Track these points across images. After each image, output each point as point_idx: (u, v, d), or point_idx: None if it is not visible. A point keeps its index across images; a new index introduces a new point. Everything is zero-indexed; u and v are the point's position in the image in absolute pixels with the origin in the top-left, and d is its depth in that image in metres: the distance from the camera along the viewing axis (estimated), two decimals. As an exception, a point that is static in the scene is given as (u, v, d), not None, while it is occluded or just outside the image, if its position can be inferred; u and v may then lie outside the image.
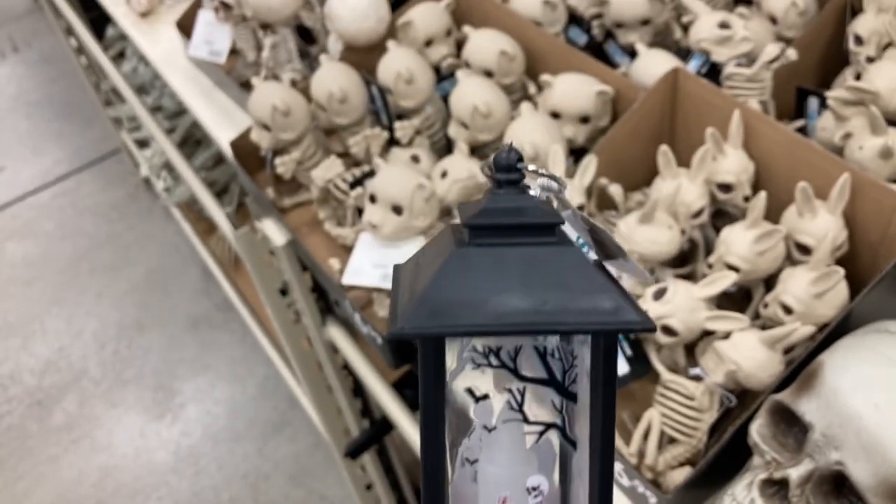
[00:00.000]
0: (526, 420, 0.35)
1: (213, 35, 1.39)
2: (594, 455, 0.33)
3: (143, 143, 2.58)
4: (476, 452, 0.35)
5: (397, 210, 0.97)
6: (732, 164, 0.90)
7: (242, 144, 1.19)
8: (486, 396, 0.35)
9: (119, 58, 2.31)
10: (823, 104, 0.98)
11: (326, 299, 1.35)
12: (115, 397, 2.41)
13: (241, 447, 2.24)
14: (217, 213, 1.51)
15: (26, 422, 2.38)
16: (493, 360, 0.34)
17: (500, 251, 0.31)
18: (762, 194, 0.83)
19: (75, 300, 2.67)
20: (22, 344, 2.58)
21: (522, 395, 0.35)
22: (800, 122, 1.03)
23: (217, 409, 2.34)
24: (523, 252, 0.31)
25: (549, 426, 0.35)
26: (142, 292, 2.67)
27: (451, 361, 0.34)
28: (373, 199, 0.98)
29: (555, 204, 0.36)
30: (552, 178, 0.38)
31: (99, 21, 2.27)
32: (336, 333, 1.34)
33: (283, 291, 1.38)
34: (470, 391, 0.35)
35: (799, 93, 1.03)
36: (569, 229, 0.35)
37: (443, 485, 0.34)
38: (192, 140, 2.21)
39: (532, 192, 0.34)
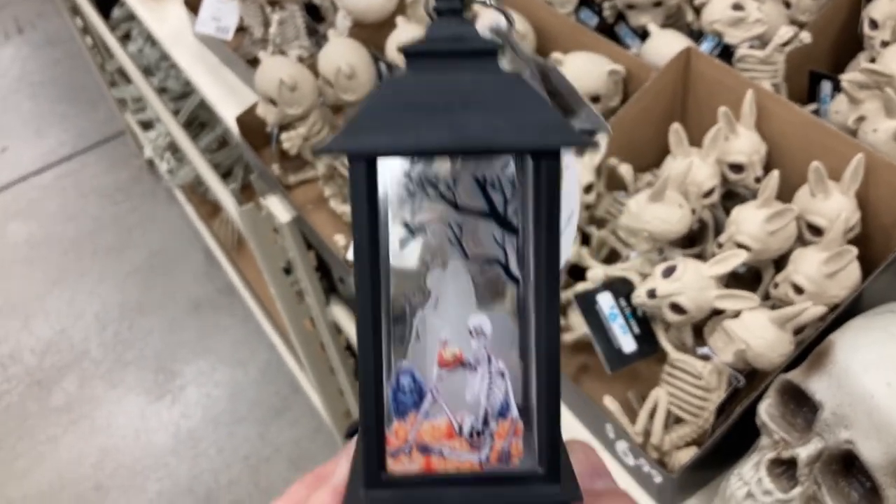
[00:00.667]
0: (465, 255, 0.33)
1: (221, 11, 1.38)
2: (539, 290, 0.31)
3: (147, 125, 2.57)
4: (415, 301, 0.33)
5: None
6: (744, 144, 0.89)
7: (248, 120, 1.18)
8: (422, 228, 0.33)
9: (125, 39, 2.30)
10: (836, 88, 0.97)
11: (330, 279, 1.34)
12: (116, 378, 2.40)
13: (241, 431, 2.24)
14: (221, 190, 1.51)
15: (26, 401, 2.38)
16: (430, 191, 0.32)
17: (438, 77, 0.30)
18: (775, 173, 0.83)
19: (77, 281, 2.67)
20: (23, 324, 2.57)
21: (461, 229, 0.33)
22: (812, 107, 1.02)
23: (218, 392, 2.34)
24: (462, 77, 0.30)
25: (489, 261, 0.33)
26: (144, 274, 2.67)
27: (394, 229, 0.32)
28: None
29: (505, 49, 0.34)
30: (501, 11, 0.36)
31: (105, 2, 2.26)
32: (339, 313, 1.33)
33: (287, 270, 1.37)
34: (406, 226, 0.33)
35: (812, 77, 1.02)
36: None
37: (378, 332, 0.31)
38: (197, 123, 2.20)
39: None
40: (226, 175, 2.19)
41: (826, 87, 1.00)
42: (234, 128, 1.22)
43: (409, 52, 0.31)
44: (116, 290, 2.63)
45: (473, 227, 0.33)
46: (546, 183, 0.30)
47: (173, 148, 2.38)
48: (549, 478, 0.31)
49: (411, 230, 0.33)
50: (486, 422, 0.32)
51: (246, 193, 2.08)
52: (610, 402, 0.83)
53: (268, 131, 1.16)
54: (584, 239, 0.97)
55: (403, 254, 0.33)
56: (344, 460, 0.34)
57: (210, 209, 2.42)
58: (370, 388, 0.31)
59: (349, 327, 1.32)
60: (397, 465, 0.31)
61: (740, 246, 0.83)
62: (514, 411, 0.32)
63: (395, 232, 0.33)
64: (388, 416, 0.32)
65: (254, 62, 1.25)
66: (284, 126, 1.12)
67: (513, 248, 0.33)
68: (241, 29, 1.38)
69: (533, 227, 0.31)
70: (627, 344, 0.84)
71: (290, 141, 1.11)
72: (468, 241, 0.33)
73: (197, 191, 2.45)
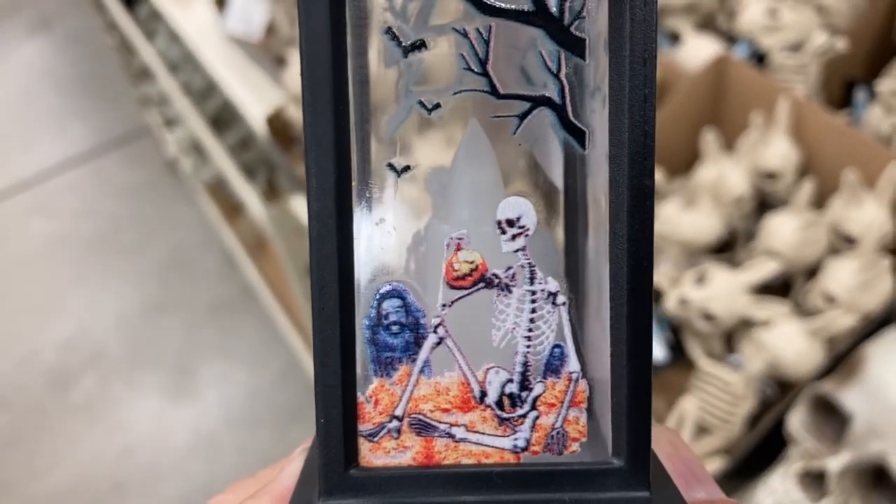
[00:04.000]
0: (495, 92, 0.19)
1: (250, 9, 1.38)
2: (618, 165, 0.18)
3: (170, 123, 2.58)
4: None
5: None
6: (777, 151, 0.88)
7: (275, 120, 1.18)
8: (420, 44, 0.19)
9: (149, 37, 2.31)
10: (871, 95, 0.96)
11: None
12: (135, 378, 2.41)
13: (260, 432, 2.24)
14: (246, 190, 1.51)
15: (45, 399, 2.39)
16: None
17: None
18: (807, 184, 0.82)
19: (97, 279, 2.68)
20: (43, 321, 2.59)
21: (487, 42, 0.18)
22: (847, 113, 1.01)
23: (237, 393, 2.34)
24: None
25: (534, 102, 0.19)
26: (164, 274, 2.67)
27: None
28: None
29: None
30: None
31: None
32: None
33: (311, 271, 1.37)
34: (393, 35, 0.19)
35: (846, 84, 1.01)
36: None
37: (347, 217, 0.20)
38: (218, 124, 2.21)
39: None
40: (249, 174, 2.20)
41: (861, 94, 0.99)
42: (258, 127, 1.22)
43: None
44: (136, 289, 2.64)
45: (510, 37, 0.18)
46: None
47: (196, 147, 2.39)
48: (632, 477, 0.19)
49: (404, 46, 0.19)
50: (525, 381, 0.19)
51: (269, 193, 2.08)
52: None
53: (298, 133, 1.16)
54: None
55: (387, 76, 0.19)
56: (297, 455, 0.23)
57: (231, 209, 2.42)
58: (331, 313, 0.19)
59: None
60: (378, 455, 0.21)
61: (772, 254, 0.82)
62: (575, 363, 0.19)
63: (376, 48, 0.20)
64: (364, 372, 0.20)
65: (282, 61, 1.25)
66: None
67: (576, 81, 0.19)
68: (270, 27, 1.38)
69: (611, 57, 0.18)
70: (658, 352, 0.83)
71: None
72: (499, 65, 0.19)
73: (219, 190, 2.46)
